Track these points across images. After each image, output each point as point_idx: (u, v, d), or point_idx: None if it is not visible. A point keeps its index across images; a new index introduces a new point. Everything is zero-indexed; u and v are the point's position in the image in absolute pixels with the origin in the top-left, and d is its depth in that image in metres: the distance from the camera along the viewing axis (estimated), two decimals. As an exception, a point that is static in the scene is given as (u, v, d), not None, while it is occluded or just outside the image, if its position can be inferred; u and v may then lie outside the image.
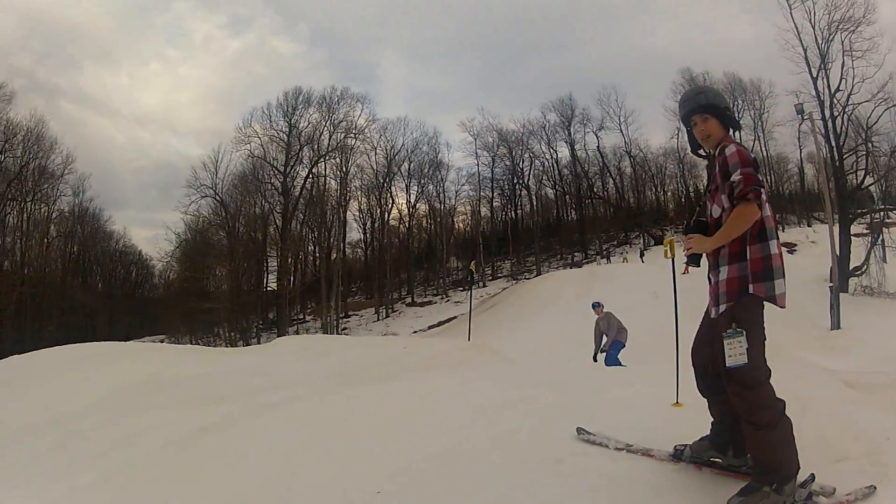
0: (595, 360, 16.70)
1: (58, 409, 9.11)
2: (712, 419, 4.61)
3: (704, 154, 4.64)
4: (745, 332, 4.00)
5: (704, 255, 4.45)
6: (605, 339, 16.94)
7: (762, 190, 4.03)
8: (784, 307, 4.12)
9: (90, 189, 71.88)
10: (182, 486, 5.70)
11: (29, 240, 64.70)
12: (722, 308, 4.16)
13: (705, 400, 4.61)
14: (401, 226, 79.68)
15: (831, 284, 27.60)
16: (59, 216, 68.81)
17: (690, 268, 4.69)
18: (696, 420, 4.96)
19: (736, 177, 4.05)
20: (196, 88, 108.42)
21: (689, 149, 4.89)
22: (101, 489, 5.86)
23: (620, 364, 15.46)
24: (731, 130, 4.51)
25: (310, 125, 72.16)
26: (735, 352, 3.98)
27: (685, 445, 4.77)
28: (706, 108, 4.47)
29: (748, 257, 4.13)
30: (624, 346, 16.55)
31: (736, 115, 4.72)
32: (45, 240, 67.24)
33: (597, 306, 17.56)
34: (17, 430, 8.28)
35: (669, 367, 6.71)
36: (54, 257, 69.65)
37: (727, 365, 3.99)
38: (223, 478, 5.84)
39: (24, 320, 60.11)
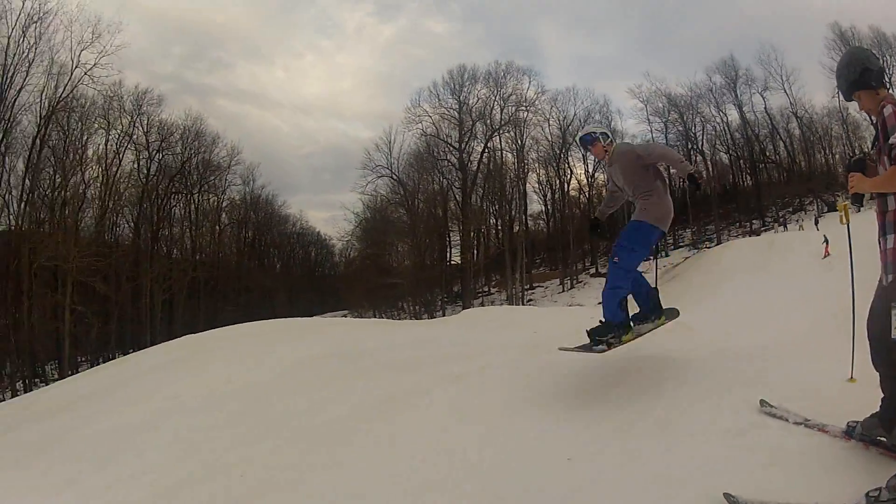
0: (596, 228, 9.05)
1: (239, 382, 9.73)
2: (882, 395, 4.54)
3: None
4: None
5: (875, 215, 4.37)
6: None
7: None
8: None
9: (261, 177, 73.94)
10: (365, 452, 6.20)
11: (199, 228, 67.54)
12: (890, 277, 4.14)
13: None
14: (581, 196, 77.83)
15: None
16: (229, 204, 71.36)
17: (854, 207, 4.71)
18: (870, 396, 4.86)
19: (894, 139, 4.03)
20: (355, 75, 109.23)
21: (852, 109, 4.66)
22: (278, 455, 6.44)
23: (621, 310, 7.42)
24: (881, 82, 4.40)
25: (479, 101, 71.51)
26: None
27: (857, 422, 4.77)
28: (850, 89, 4.50)
29: None
30: (654, 243, 7.73)
31: (878, 63, 4.50)
32: (217, 227, 69.91)
33: (591, 140, 8.02)
34: (193, 404, 8.95)
35: (846, 340, 6.57)
36: (228, 243, 72.29)
37: (893, 337, 3.98)
38: (408, 445, 6.25)
39: (198, 303, 63.26)
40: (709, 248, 62.15)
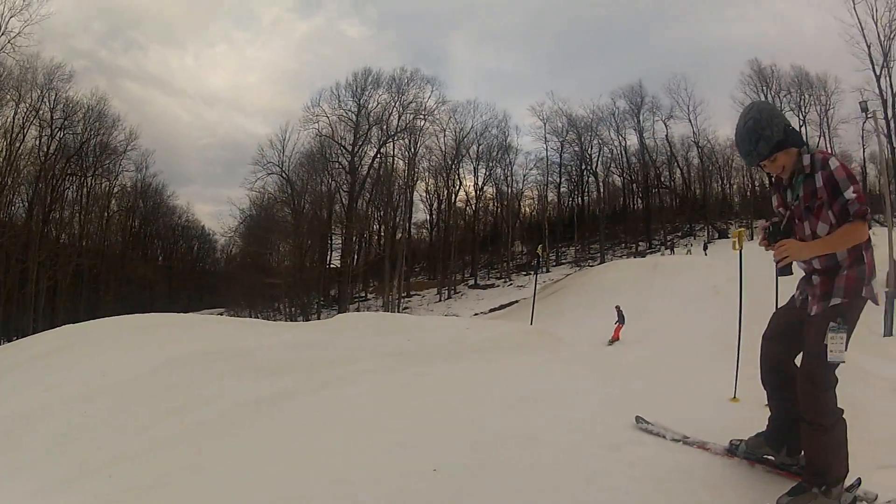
0: None
1: (113, 377, 9.23)
2: (770, 415, 4.61)
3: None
4: (847, 330, 4.00)
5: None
6: None
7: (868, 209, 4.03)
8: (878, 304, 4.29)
9: (153, 165, 72.77)
10: (233, 456, 5.84)
11: (88, 213, 65.68)
12: (835, 301, 4.10)
13: (765, 394, 4.61)
14: (467, 208, 78.95)
15: (887, 290, 26.96)
16: (120, 191, 69.83)
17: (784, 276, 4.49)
18: (752, 415, 5.09)
19: (850, 194, 4.00)
20: (264, 70, 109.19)
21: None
22: (148, 456, 5.99)
23: None
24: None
25: (379, 106, 71.88)
26: (836, 347, 3.97)
27: (741, 440, 4.81)
28: (772, 150, 4.27)
29: (865, 261, 4.14)
30: None
31: (795, 126, 4.40)
32: (106, 213, 68.21)
33: None
34: (69, 397, 8.36)
35: (730, 361, 6.96)
36: (114, 230, 70.63)
37: (829, 360, 3.97)
38: (276, 450, 5.92)
39: (80, 291, 61.55)
40: (591, 266, 63.02)
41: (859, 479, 4.21)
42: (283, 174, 71.61)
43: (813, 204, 4.22)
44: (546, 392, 7.30)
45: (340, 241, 71.56)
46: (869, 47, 39.10)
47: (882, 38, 38.92)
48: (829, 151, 4.47)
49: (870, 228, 4.09)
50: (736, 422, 5.36)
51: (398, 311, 58.28)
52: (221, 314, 56.28)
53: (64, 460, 6.13)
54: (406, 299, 69.03)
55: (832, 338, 3.98)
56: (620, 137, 79.00)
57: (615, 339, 19.43)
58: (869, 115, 35.04)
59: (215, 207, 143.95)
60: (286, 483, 5.25)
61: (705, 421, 5.65)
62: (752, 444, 4.73)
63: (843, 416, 4.13)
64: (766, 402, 4.64)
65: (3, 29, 45.55)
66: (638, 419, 5.73)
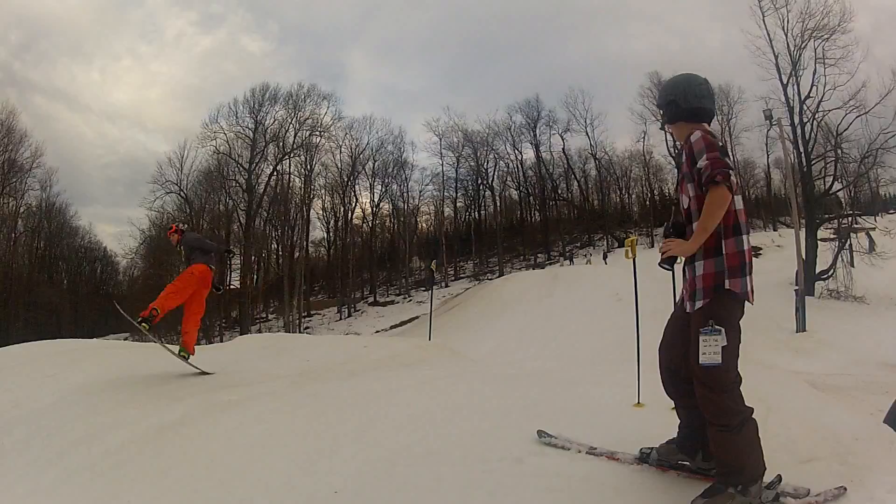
0: None
1: (26, 406, 9.08)
2: (679, 422, 4.55)
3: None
4: (722, 330, 3.91)
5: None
6: None
7: (731, 172, 3.91)
8: (753, 303, 4.09)
9: (57, 184, 70.44)
10: (140, 485, 5.76)
11: (-4, 234, 63.24)
12: (699, 304, 4.05)
13: (671, 401, 4.57)
14: (364, 225, 79.20)
15: (797, 288, 27.61)
16: (26, 210, 67.64)
17: (664, 269, 4.52)
18: (658, 421, 5.07)
19: (702, 162, 3.94)
20: (166, 85, 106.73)
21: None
22: (63, 487, 5.96)
23: None
24: (698, 119, 4.33)
25: (276, 122, 71.29)
26: (710, 350, 3.89)
27: (651, 448, 4.72)
28: (661, 108, 4.47)
29: (724, 252, 4.02)
30: None
31: (691, 100, 4.32)
32: (13, 235, 66.12)
33: None
34: None
35: (631, 367, 7.01)
36: (21, 252, 68.34)
37: (700, 363, 3.90)
38: (181, 476, 5.87)
39: (-9, 317, 59.06)
40: (490, 279, 63.37)
41: (779, 475, 4.18)
42: (182, 193, 70.41)
43: (679, 178, 4.37)
44: (445, 407, 7.28)
45: (239, 262, 70.21)
46: (777, 57, 39.66)
47: (792, 48, 39.48)
48: (703, 127, 4.25)
49: (731, 192, 3.95)
50: (643, 428, 5.35)
51: (299, 331, 58.37)
52: (126, 339, 55.24)
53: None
54: (307, 319, 68.81)
55: (704, 340, 3.94)
56: (517, 151, 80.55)
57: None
58: (774, 123, 35.89)
59: (117, 228, 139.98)
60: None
61: (611, 429, 5.62)
62: (663, 452, 4.67)
63: (756, 412, 4.10)
64: (673, 407, 4.60)
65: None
66: (540, 433, 5.61)
